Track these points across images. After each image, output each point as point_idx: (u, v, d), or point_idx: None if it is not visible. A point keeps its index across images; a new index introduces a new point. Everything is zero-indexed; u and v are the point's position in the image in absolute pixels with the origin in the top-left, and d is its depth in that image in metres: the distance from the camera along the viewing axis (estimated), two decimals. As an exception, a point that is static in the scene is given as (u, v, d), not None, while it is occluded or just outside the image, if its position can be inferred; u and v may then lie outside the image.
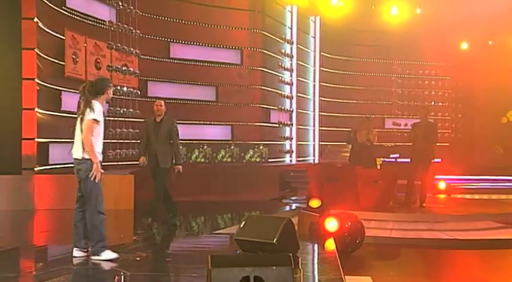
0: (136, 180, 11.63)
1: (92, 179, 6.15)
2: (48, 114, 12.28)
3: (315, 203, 9.60)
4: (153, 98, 15.77)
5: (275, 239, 5.91)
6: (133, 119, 14.44)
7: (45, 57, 12.22)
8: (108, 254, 6.08)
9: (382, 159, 14.20)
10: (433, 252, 9.19)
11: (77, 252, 6.38)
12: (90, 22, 13.96)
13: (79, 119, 6.29)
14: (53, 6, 12.54)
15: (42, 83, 11.96)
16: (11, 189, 11.18)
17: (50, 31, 12.44)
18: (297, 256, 6.17)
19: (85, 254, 6.37)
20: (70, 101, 12.89)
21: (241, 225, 6.25)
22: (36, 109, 11.63)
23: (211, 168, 16.26)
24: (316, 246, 7.75)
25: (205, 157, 16.52)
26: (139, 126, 14.52)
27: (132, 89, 14.53)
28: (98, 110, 6.32)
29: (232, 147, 17.18)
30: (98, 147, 6.32)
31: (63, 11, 12.99)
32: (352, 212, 9.94)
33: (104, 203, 6.40)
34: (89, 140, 6.19)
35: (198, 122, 16.83)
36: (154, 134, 9.10)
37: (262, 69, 18.32)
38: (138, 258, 6.60)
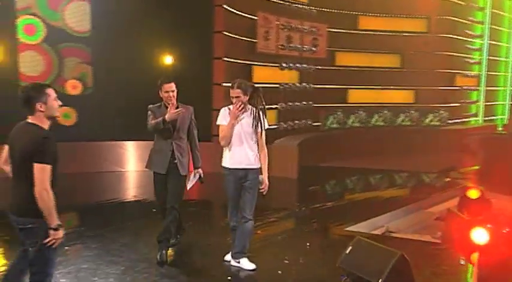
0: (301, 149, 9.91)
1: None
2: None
3: (473, 194, 7.01)
4: (340, 66, 13.92)
5: (380, 281, 3.89)
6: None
7: (238, 37, 10.98)
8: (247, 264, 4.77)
9: None
10: None
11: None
12: (281, 2, 12.28)
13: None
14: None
15: (234, 60, 10.81)
16: (204, 154, 10.32)
17: (242, 14, 11.11)
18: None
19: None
20: (261, 73, 11.75)
21: (348, 251, 4.32)
22: (224, 84, 10.49)
23: (387, 131, 13.76)
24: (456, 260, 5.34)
25: (385, 121, 14.09)
26: (313, 98, 12.89)
27: (305, 65, 12.79)
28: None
29: (412, 111, 14.42)
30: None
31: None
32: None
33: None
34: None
35: (382, 87, 14.39)
36: (169, 128, 4.96)
37: (449, 36, 14.96)
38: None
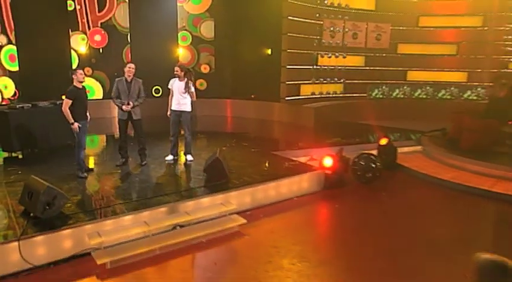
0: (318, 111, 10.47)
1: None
2: (305, 68, 12.00)
3: (383, 141, 7.27)
4: (400, 54, 13.09)
5: (204, 169, 5.41)
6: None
7: (301, 36, 11.68)
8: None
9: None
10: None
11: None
12: (348, 10, 12.40)
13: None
14: (309, 5, 11.65)
15: (297, 51, 11.63)
16: (271, 110, 11.66)
17: (306, 20, 11.75)
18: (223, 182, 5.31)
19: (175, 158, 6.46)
20: (323, 60, 12.26)
21: (217, 153, 5.57)
22: (287, 66, 11.57)
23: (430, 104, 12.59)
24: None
25: (427, 95, 12.89)
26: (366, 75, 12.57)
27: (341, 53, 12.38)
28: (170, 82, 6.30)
29: (452, 88, 12.76)
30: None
31: (323, 7, 12.00)
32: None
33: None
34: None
35: (437, 70, 12.99)
36: (127, 91, 5.97)
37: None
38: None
